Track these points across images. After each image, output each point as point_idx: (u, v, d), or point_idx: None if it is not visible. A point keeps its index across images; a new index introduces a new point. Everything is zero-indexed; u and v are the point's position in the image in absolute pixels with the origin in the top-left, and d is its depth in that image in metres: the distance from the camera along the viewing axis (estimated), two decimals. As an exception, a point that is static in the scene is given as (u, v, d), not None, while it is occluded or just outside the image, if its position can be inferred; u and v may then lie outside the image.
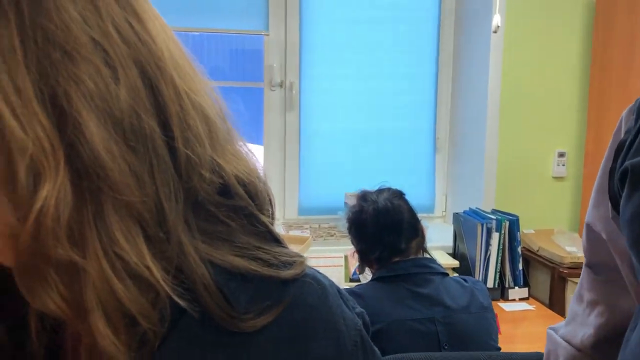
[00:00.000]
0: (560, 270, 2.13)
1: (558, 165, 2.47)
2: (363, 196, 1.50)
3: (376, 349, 0.51)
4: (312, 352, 0.44)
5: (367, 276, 1.62)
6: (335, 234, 2.52)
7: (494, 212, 2.31)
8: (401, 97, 2.61)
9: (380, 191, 1.51)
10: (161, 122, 0.41)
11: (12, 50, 0.36)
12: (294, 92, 2.51)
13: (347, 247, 2.21)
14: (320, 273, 0.49)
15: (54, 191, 0.36)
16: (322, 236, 2.50)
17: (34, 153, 0.36)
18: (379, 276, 1.43)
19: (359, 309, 0.50)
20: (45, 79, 0.37)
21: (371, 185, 1.59)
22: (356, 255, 1.56)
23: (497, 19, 1.87)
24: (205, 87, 0.46)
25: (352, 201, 1.58)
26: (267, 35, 2.49)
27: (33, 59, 0.36)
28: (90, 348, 0.40)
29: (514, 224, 2.21)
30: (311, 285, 0.46)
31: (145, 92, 0.40)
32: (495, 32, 1.91)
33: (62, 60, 0.37)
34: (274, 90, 2.51)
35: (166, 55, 0.43)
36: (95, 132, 0.37)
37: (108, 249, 0.38)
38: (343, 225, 2.37)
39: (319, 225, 2.52)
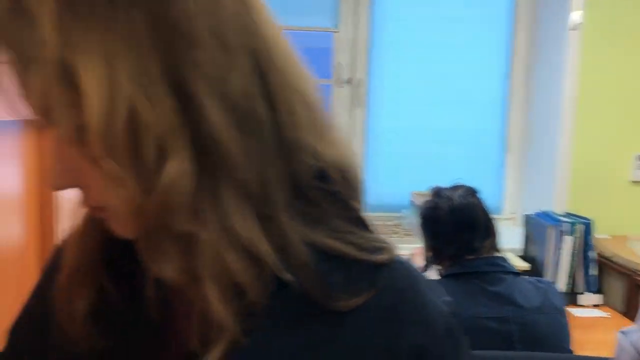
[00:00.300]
0: (636, 277, 2.04)
1: (637, 169, 2.36)
2: (437, 192, 1.49)
3: (464, 338, 0.51)
4: (403, 337, 0.45)
5: (432, 276, 1.60)
6: (399, 232, 2.50)
7: (567, 215, 2.24)
8: (470, 95, 2.57)
9: (454, 188, 1.49)
10: (270, 107, 0.43)
11: (142, 36, 0.38)
12: (362, 89, 2.51)
13: (411, 246, 2.19)
14: (408, 261, 0.50)
15: (178, 168, 0.39)
16: (386, 234, 2.50)
17: (161, 132, 0.38)
18: (451, 273, 1.41)
19: (446, 298, 0.51)
20: (170, 63, 0.39)
21: (438, 184, 1.57)
22: (423, 253, 1.55)
23: (576, 16, 1.81)
24: (308, 77, 0.47)
25: (419, 200, 1.57)
26: (337, 32, 2.50)
27: (159, 44, 0.39)
28: (201, 315, 0.42)
29: (588, 228, 2.13)
30: (402, 271, 0.48)
31: (257, 79, 0.42)
32: (574, 29, 1.85)
33: (183, 46, 0.39)
34: (341, 87, 2.52)
35: (275, 45, 0.44)
36: (214, 114, 0.40)
37: (222, 223, 0.41)
38: (408, 223, 2.36)
39: (383, 223, 2.51)
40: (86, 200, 0.44)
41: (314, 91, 0.47)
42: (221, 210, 0.41)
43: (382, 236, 0.50)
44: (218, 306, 0.41)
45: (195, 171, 0.39)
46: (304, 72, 0.47)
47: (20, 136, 1.10)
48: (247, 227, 0.42)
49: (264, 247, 0.42)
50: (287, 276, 0.43)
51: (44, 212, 1.21)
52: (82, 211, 0.49)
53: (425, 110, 2.56)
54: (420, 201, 1.56)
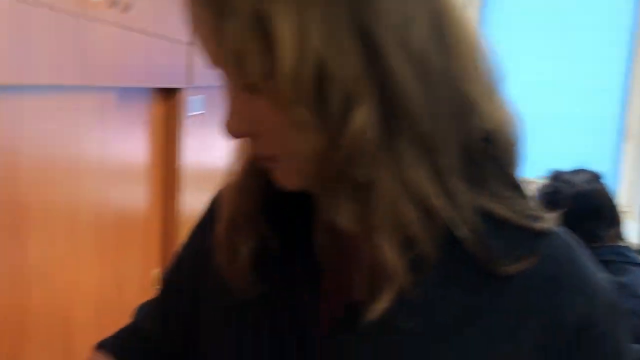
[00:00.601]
0: None
1: None
2: (557, 176, 1.42)
3: (624, 315, 0.49)
4: (567, 307, 0.44)
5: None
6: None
7: (694, 209, 2.07)
8: (586, 78, 2.44)
9: (576, 172, 1.41)
10: (446, 61, 0.42)
11: None
12: (469, 70, 2.44)
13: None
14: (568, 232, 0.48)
15: (364, 116, 0.39)
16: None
17: (347, 80, 0.39)
18: (572, 260, 1.34)
19: (604, 273, 0.49)
20: (356, 13, 0.39)
21: (556, 169, 1.49)
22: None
23: None
24: (479, 37, 0.46)
25: (530, 187, 1.49)
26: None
27: None
28: (371, 264, 0.43)
29: None
30: (563, 241, 0.46)
31: (435, 32, 0.42)
32: None
33: None
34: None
35: (453, 7, 0.44)
36: (398, 64, 0.40)
37: (400, 174, 0.41)
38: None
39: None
40: (258, 149, 0.45)
41: (485, 51, 0.46)
42: (399, 161, 0.41)
43: (537, 205, 0.48)
44: (390, 255, 0.41)
45: (379, 121, 0.40)
46: (476, 31, 0.46)
47: (148, 104, 1.15)
48: (423, 181, 0.42)
49: (439, 202, 0.42)
50: (462, 232, 0.43)
51: (168, 180, 1.27)
52: (241, 162, 0.51)
53: (536, 93, 2.46)
54: (529, 187, 1.49)
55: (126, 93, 1.02)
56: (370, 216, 0.41)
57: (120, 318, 1.07)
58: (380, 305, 0.42)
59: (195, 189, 1.39)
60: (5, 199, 0.69)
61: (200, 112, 1.37)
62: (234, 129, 0.44)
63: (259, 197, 0.50)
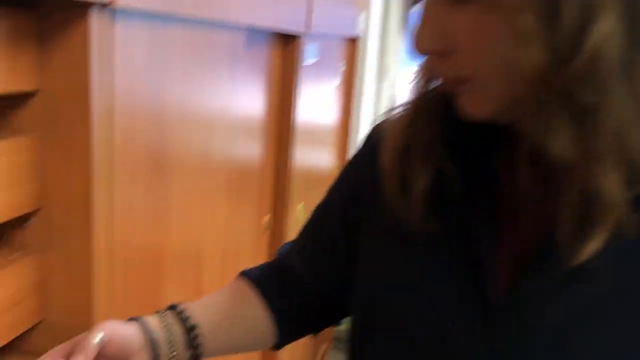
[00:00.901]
0: None
1: None
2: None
3: None
4: None
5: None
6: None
7: None
8: None
9: None
10: None
11: None
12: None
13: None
14: None
15: (605, 30, 0.34)
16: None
17: None
18: None
19: None
20: None
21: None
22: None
23: None
24: None
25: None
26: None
27: None
28: (585, 200, 0.38)
29: None
30: None
31: None
32: None
33: None
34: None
35: None
36: None
37: (634, 98, 0.36)
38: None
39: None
40: (450, 69, 0.40)
41: None
42: (636, 84, 0.35)
43: None
44: (611, 188, 0.37)
45: (621, 37, 0.34)
46: None
47: (269, 49, 1.12)
48: None
49: None
50: None
51: (282, 132, 1.25)
52: (418, 89, 0.46)
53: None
54: None
55: (252, 35, 1.00)
56: (593, 143, 0.36)
57: (240, 256, 1.09)
58: (590, 247, 0.37)
59: (306, 141, 1.36)
60: (151, 143, 0.69)
61: (315, 59, 1.33)
62: (426, 44, 0.39)
63: (437, 125, 0.45)
